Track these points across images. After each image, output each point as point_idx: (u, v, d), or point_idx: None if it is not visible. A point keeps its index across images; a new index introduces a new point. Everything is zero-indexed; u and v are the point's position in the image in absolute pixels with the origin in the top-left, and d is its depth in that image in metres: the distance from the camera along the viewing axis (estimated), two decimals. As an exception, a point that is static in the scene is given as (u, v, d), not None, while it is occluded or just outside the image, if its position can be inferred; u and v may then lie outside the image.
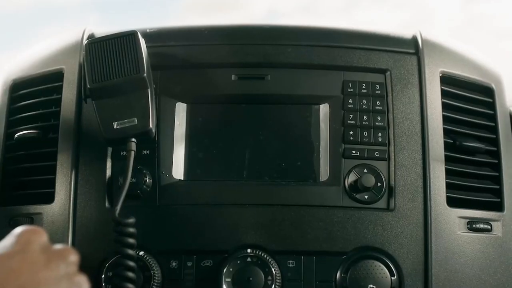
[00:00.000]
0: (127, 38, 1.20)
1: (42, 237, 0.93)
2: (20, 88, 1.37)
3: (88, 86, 1.17)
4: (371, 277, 1.20)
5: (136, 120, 1.17)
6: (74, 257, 0.93)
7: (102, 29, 1.38)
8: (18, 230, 0.92)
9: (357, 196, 1.24)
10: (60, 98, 1.30)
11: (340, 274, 1.21)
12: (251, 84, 1.30)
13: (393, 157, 1.26)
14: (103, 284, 1.19)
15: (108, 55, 1.18)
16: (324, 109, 1.29)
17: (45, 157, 1.29)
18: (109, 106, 1.18)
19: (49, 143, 1.29)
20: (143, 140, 1.21)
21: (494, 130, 1.34)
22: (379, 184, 1.24)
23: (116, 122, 1.17)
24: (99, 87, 1.17)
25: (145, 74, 1.18)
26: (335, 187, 1.25)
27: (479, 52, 1.45)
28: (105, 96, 1.18)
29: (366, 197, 1.24)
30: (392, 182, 1.25)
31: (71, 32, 1.39)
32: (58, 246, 0.94)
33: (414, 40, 1.34)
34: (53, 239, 1.17)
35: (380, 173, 1.25)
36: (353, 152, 1.26)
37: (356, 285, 1.20)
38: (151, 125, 1.18)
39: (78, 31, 1.37)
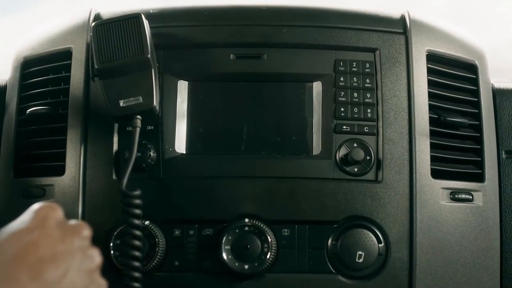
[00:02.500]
0: (132, 21, 1.23)
1: (58, 213, 0.96)
2: (31, 65, 1.40)
3: (96, 66, 1.21)
4: (360, 244, 1.25)
5: (141, 99, 1.22)
6: (87, 232, 0.97)
7: (108, 9, 1.41)
8: (36, 206, 0.95)
9: (348, 168, 1.28)
10: (69, 76, 1.34)
11: (331, 242, 1.26)
12: (249, 63, 1.33)
13: (381, 132, 1.30)
14: (112, 251, 1.24)
15: (114, 37, 1.22)
16: (317, 87, 1.33)
17: (56, 131, 1.32)
18: (116, 85, 1.22)
19: (59, 118, 1.33)
20: (147, 116, 1.25)
21: (477, 105, 1.38)
22: (368, 157, 1.28)
23: (122, 100, 1.21)
24: (106, 68, 1.21)
25: (149, 55, 1.21)
26: (327, 160, 1.29)
27: (464, 30, 1.48)
28: (112, 75, 1.22)
29: (356, 169, 1.28)
30: (380, 156, 1.29)
31: (78, 12, 1.42)
32: (73, 222, 0.97)
33: (402, 20, 1.37)
34: (64, 209, 1.21)
35: (369, 147, 1.29)
36: (344, 127, 1.30)
37: (346, 251, 1.25)
38: (155, 103, 1.22)
39: (84, 11, 1.40)
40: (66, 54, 1.36)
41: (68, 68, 1.35)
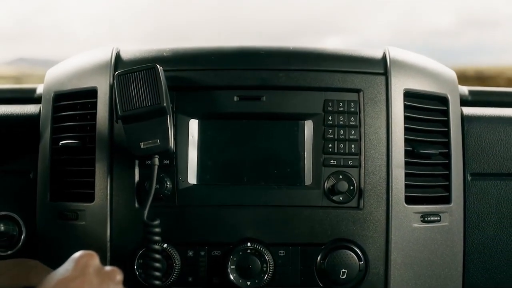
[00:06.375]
0: (149, 72, 1.38)
1: (95, 260, 1.10)
2: (61, 99, 1.52)
3: (119, 113, 1.36)
4: (343, 262, 1.42)
5: (158, 141, 1.37)
6: (120, 277, 1.11)
7: (127, 47, 1.55)
8: (77, 255, 1.09)
9: (334, 197, 1.44)
10: (95, 113, 1.47)
11: (320, 261, 1.43)
12: (250, 104, 1.47)
13: (363, 165, 1.44)
14: (135, 269, 1.41)
15: (134, 86, 1.37)
16: (308, 125, 1.46)
17: (86, 162, 1.47)
18: (136, 129, 1.38)
19: (88, 151, 1.47)
20: (164, 154, 1.42)
21: (447, 134, 1.51)
22: (351, 187, 1.44)
23: (142, 143, 1.37)
24: (127, 115, 1.37)
25: (164, 104, 1.36)
26: (316, 190, 1.45)
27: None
28: (133, 121, 1.37)
29: (341, 198, 1.44)
30: (362, 186, 1.44)
31: (101, 50, 1.56)
32: (108, 268, 1.11)
33: (383, 59, 1.50)
34: (95, 232, 1.41)
35: (353, 178, 1.44)
36: (331, 161, 1.45)
37: (332, 269, 1.42)
38: (170, 144, 1.38)
39: (107, 50, 1.53)
40: (92, 93, 1.49)
41: (94, 105, 1.48)
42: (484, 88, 1.88)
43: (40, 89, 1.79)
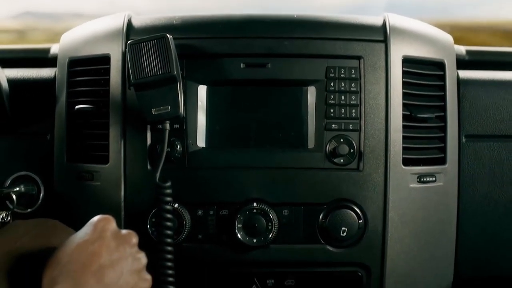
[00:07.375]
0: (160, 41, 1.43)
1: (112, 224, 1.16)
2: (75, 65, 1.58)
3: (132, 81, 1.42)
4: (344, 221, 1.50)
5: (169, 108, 1.43)
6: (135, 240, 1.18)
7: (139, 16, 1.61)
8: (95, 219, 1.15)
9: (335, 160, 1.51)
10: (109, 79, 1.53)
11: (321, 219, 1.51)
12: (256, 70, 1.52)
13: (363, 129, 1.51)
14: (148, 227, 1.49)
15: (145, 55, 1.42)
16: (311, 91, 1.52)
17: (100, 126, 1.53)
18: (148, 96, 1.43)
19: (102, 115, 1.53)
20: (174, 120, 1.48)
21: (443, 98, 1.58)
22: (351, 150, 1.50)
23: (154, 109, 1.43)
24: (140, 83, 1.43)
25: (175, 72, 1.42)
26: (319, 153, 1.51)
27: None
28: (145, 88, 1.43)
29: (341, 160, 1.51)
30: (362, 149, 1.51)
31: (113, 17, 1.61)
32: (124, 231, 1.18)
33: (383, 27, 1.56)
34: (110, 192, 1.49)
35: (353, 141, 1.51)
36: (333, 125, 1.51)
37: (333, 227, 1.50)
38: (181, 111, 1.44)
39: (119, 17, 1.59)
40: (105, 59, 1.54)
41: (107, 71, 1.54)
42: (481, 48, 1.94)
43: (54, 49, 1.85)
